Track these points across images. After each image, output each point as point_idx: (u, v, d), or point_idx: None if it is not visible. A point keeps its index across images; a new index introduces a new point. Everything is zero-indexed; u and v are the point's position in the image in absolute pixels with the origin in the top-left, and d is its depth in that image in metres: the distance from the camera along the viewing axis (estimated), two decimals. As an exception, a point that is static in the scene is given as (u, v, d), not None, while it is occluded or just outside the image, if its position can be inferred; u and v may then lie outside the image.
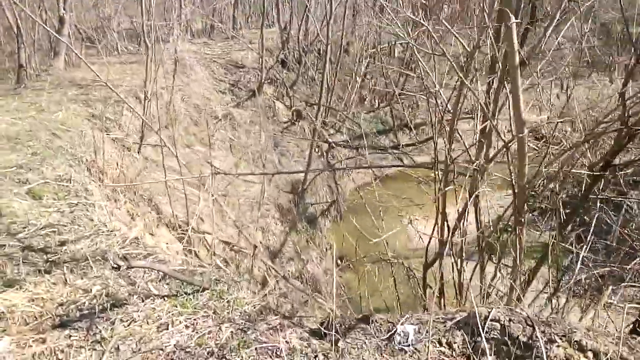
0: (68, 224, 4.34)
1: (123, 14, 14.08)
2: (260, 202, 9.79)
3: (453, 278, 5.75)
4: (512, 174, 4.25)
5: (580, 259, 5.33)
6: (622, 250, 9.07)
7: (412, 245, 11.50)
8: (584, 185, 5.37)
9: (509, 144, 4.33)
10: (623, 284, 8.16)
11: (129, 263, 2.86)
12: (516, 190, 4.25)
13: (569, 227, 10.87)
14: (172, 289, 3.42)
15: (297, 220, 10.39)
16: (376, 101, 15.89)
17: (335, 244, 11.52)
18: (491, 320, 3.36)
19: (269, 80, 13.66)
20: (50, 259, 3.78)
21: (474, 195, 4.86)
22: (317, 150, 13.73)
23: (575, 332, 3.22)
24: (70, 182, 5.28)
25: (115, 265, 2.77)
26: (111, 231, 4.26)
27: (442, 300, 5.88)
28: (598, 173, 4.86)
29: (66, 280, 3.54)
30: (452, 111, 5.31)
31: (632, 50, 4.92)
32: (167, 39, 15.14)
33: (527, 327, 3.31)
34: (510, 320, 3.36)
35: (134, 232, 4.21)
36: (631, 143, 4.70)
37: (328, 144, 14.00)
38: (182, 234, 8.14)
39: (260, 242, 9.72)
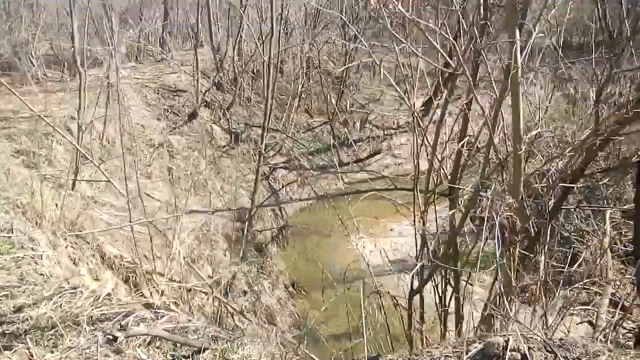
0: (21, 284, 3.77)
1: (41, 39, 13.06)
2: (208, 234, 9.33)
3: (436, 304, 5.63)
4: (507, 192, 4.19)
5: (543, 266, 5.38)
6: (562, 251, 9.45)
7: (362, 265, 11.39)
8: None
9: (505, 160, 4.28)
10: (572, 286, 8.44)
11: (127, 332, 2.45)
12: (514, 207, 4.18)
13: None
14: (166, 353, 3.00)
15: (246, 249, 9.95)
16: (316, 119, 15.82)
17: (285, 271, 11.19)
18: (511, 350, 3.23)
19: (204, 104, 13.17)
20: (7, 331, 3.23)
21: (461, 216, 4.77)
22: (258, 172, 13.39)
23: (599, 355, 3.16)
24: (13, 232, 4.64)
25: (111, 337, 2.35)
26: (75, 288, 3.73)
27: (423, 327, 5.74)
28: (570, 185, 4.93)
29: (32, 356, 3.01)
30: (434, 130, 5.17)
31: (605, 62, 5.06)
32: (96, 64, 14.27)
33: (548, 353, 3.20)
34: (529, 348, 3.25)
35: (107, 288, 3.71)
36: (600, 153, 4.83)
37: (269, 167, 13.71)
38: (129, 275, 7.55)
39: (210, 277, 9.21)
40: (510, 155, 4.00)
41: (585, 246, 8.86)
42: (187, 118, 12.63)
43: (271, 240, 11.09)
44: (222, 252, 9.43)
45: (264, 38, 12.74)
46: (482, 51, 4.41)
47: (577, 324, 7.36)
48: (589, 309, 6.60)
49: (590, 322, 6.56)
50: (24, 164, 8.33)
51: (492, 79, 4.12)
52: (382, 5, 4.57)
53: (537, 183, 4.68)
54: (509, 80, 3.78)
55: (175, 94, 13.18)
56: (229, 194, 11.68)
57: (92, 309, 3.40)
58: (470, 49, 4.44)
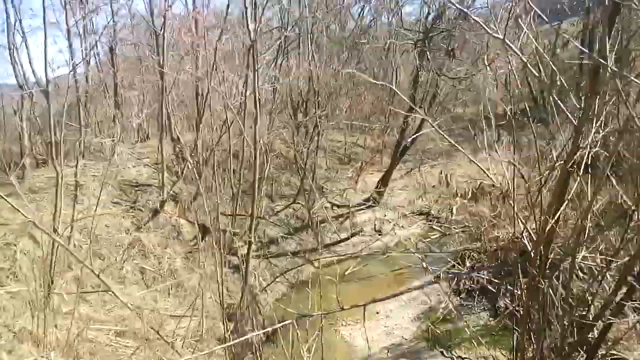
0: None
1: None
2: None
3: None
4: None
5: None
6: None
7: (357, 355, 10.76)
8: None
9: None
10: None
11: None
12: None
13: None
14: None
15: (242, 355, 9.13)
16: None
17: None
18: None
19: (169, 197, 12.54)
20: None
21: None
22: (228, 264, 12.72)
23: None
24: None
25: None
26: None
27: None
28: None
29: None
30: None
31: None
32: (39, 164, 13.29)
33: None
34: None
35: None
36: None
37: (238, 257, 13.10)
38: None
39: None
40: None
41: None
42: (152, 213, 11.89)
43: (265, 340, 10.26)
44: (219, 358, 8.57)
45: (229, 126, 12.58)
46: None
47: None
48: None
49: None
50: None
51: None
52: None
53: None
54: None
55: (136, 188, 12.46)
56: (208, 292, 10.87)
57: None
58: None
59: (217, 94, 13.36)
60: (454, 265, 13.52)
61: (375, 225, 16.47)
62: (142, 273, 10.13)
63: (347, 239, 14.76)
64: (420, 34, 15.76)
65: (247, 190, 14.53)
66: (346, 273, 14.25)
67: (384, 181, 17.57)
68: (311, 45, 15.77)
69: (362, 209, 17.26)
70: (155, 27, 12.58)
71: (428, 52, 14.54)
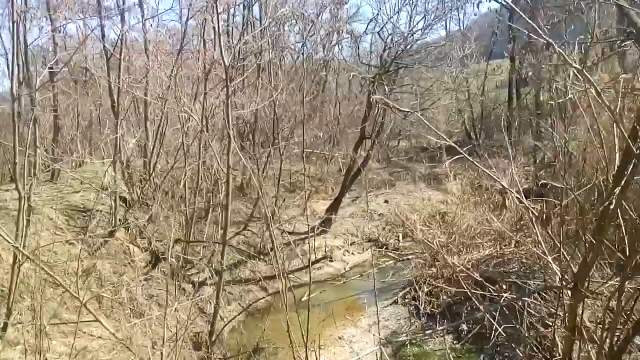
0: None
1: None
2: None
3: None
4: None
5: None
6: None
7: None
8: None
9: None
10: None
11: None
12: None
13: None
14: None
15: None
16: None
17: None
18: None
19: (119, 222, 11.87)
20: None
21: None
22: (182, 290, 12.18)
23: None
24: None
25: None
26: None
27: None
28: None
29: None
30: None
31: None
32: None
33: None
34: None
35: None
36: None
37: (192, 284, 12.61)
38: None
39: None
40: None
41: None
42: (103, 240, 11.19)
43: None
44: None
45: (185, 152, 12.26)
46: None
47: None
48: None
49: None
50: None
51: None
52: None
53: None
54: None
55: (84, 214, 11.70)
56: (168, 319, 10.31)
57: None
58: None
59: (170, 118, 13.03)
60: (409, 291, 13.69)
61: (326, 251, 16.48)
62: (99, 302, 9.42)
63: (310, 265, 14.56)
64: (374, 69, 16.46)
65: (199, 217, 14.13)
66: (302, 299, 14.07)
67: (334, 208, 17.73)
68: (272, 75, 15.89)
69: (312, 236, 17.22)
70: (108, 49, 12.11)
71: (386, 86, 15.18)
